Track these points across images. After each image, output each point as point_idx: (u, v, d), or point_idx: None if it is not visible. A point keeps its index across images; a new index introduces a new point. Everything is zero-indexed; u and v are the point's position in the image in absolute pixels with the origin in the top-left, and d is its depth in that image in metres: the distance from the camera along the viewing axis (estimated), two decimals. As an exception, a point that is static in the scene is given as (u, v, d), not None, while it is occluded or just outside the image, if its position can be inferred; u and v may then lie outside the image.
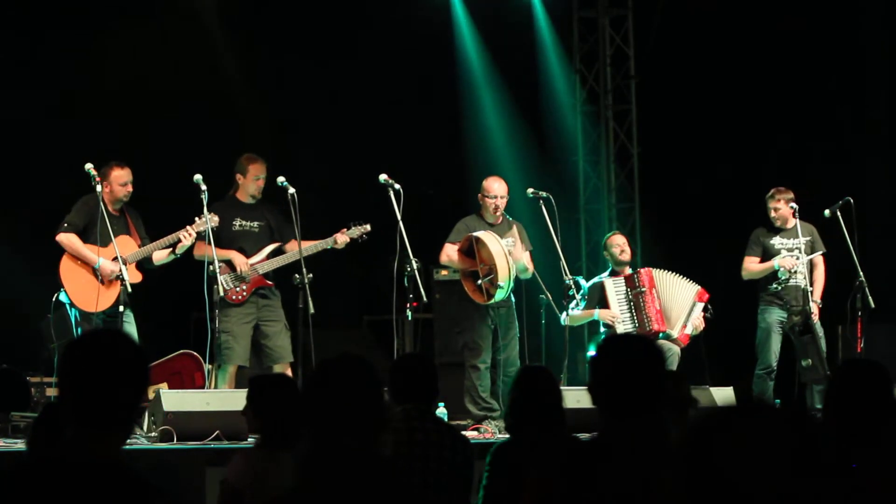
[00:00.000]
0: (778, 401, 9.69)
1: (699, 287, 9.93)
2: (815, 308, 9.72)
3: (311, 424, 3.04)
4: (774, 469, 2.06)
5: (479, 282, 9.17)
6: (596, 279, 10.14)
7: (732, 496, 2.06)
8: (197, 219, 8.67)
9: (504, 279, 9.03)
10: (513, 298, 9.31)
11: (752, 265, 9.95)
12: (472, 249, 9.20)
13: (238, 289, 8.81)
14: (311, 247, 8.89)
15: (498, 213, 9.32)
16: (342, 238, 8.98)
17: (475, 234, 9.19)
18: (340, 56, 12.06)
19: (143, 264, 8.75)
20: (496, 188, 9.34)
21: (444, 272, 10.77)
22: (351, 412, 3.01)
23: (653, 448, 3.30)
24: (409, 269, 8.86)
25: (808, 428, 2.11)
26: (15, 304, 9.90)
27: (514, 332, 9.31)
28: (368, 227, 9.05)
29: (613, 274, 10.02)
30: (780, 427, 2.10)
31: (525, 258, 9.26)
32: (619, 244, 10.03)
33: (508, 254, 9.09)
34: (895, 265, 11.05)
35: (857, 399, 3.67)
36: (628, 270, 9.97)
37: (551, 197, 9.47)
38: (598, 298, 9.90)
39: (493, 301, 9.12)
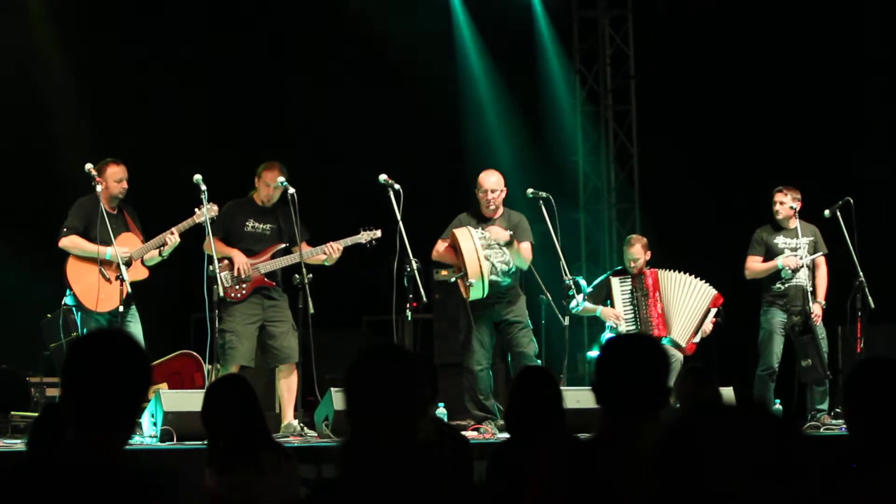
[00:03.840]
0: (778, 401, 9.70)
1: (715, 292, 9.93)
2: (818, 309, 9.72)
3: (351, 416, 3.03)
4: (745, 471, 2.06)
5: (454, 278, 9.17)
6: (606, 274, 10.25)
7: (703, 497, 2.06)
8: (197, 210, 8.68)
9: (475, 276, 8.94)
10: (519, 291, 9.24)
11: (755, 264, 9.94)
12: (456, 245, 9.19)
13: (237, 286, 8.80)
14: (308, 252, 8.86)
15: (492, 207, 9.25)
16: (333, 248, 8.89)
17: (455, 230, 9.16)
18: (340, 56, 12.05)
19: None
20: (485, 182, 9.21)
21: (443, 272, 10.77)
22: (389, 403, 3.01)
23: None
24: (408, 269, 8.85)
25: (780, 430, 2.11)
26: (15, 304, 9.90)
27: (523, 325, 9.20)
28: (379, 232, 8.99)
29: (623, 272, 10.06)
30: (750, 429, 2.10)
31: (523, 249, 9.14)
32: (633, 257, 9.98)
33: (482, 251, 9.00)
34: (895, 265, 11.05)
35: (880, 402, 3.54)
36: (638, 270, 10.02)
37: (551, 197, 9.46)
38: (605, 295, 9.98)
39: (472, 298, 9.03)
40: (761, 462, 2.06)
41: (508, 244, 9.06)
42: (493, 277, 9.01)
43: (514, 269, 9.14)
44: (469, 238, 9.04)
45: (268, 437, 4.96)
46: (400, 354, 3.14)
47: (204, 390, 5.06)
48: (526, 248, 9.15)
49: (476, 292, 9.01)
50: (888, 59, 12.22)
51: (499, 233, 9.07)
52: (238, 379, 4.98)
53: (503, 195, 9.25)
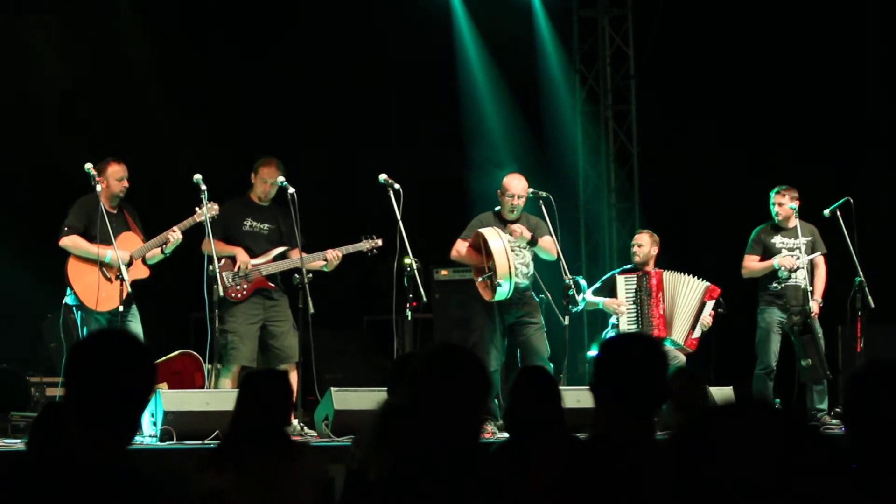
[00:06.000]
0: (777, 400, 9.71)
1: (707, 284, 9.98)
2: (816, 307, 9.75)
3: (420, 415, 3.04)
4: (762, 468, 2.06)
5: (480, 278, 9.19)
6: (612, 272, 10.30)
7: (720, 494, 2.06)
8: (197, 209, 8.68)
9: (503, 276, 9.00)
10: (533, 294, 9.28)
11: (752, 264, 9.98)
12: (480, 246, 9.22)
13: (238, 286, 8.80)
14: (308, 257, 8.83)
15: (515, 213, 9.31)
16: (332, 255, 8.89)
17: (481, 230, 9.20)
18: (340, 56, 12.06)
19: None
20: (512, 186, 9.30)
21: (444, 272, 10.76)
22: (455, 404, 3.02)
23: (654, 446, 3.30)
24: (408, 269, 8.85)
25: (797, 427, 2.11)
26: (15, 304, 9.90)
27: (538, 326, 9.26)
28: (380, 241, 8.99)
29: (629, 271, 10.11)
30: (767, 426, 2.10)
31: (546, 242, 9.23)
32: (638, 243, 10.12)
33: (511, 251, 9.07)
34: (895, 265, 11.05)
35: (878, 406, 3.52)
36: (645, 267, 10.06)
37: (551, 197, 9.47)
38: (609, 291, 10.05)
39: (496, 298, 9.08)
40: (775, 458, 2.06)
41: (531, 243, 9.14)
42: (517, 279, 9.08)
43: (532, 273, 9.25)
44: (498, 237, 9.09)
45: (283, 437, 4.85)
46: (470, 355, 3.17)
47: (240, 381, 5.00)
48: (548, 240, 9.28)
49: (502, 293, 9.03)
50: (888, 59, 12.22)
51: (523, 230, 9.14)
52: (283, 377, 4.91)
53: (526, 199, 9.31)
